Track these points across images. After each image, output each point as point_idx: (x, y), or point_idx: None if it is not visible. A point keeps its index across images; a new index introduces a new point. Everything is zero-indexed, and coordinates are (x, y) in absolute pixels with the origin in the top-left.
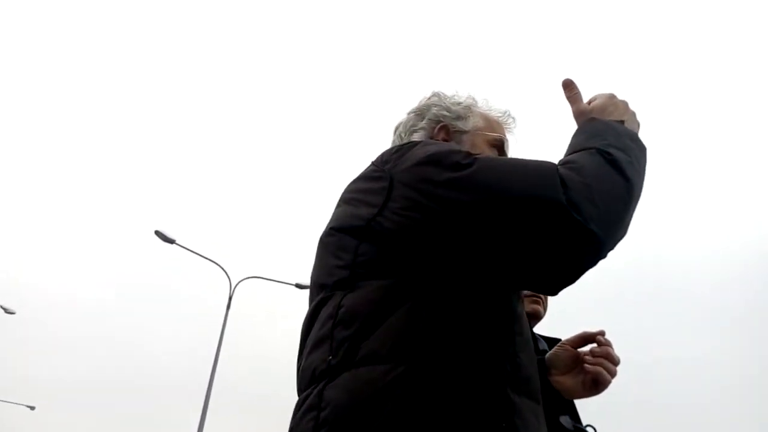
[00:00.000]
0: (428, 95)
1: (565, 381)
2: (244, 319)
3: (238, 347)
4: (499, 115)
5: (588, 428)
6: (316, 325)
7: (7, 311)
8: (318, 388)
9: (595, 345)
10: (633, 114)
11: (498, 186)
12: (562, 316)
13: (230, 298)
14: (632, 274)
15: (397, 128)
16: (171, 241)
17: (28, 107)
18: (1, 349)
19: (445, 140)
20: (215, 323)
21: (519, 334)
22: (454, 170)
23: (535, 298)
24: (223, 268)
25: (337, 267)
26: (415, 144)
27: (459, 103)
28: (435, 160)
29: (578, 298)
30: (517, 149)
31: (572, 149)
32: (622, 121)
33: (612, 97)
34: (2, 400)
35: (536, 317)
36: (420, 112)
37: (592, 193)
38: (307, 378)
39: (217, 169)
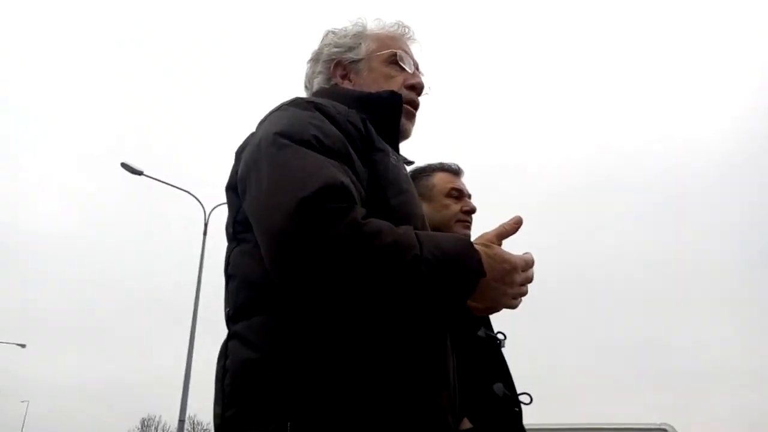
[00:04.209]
0: (321, 37)
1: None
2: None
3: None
4: (392, 29)
5: (499, 335)
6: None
7: None
8: (227, 336)
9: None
10: (504, 293)
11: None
12: (576, 196)
13: (206, 225)
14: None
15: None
16: (139, 173)
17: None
18: None
19: (344, 76)
20: (195, 250)
21: None
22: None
23: (466, 224)
24: (195, 196)
25: (228, 221)
26: (275, 110)
27: (348, 35)
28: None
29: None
30: (425, 52)
31: (428, 235)
32: (483, 275)
33: (514, 268)
34: None
35: None
36: (315, 58)
37: (339, 251)
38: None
39: (180, 96)
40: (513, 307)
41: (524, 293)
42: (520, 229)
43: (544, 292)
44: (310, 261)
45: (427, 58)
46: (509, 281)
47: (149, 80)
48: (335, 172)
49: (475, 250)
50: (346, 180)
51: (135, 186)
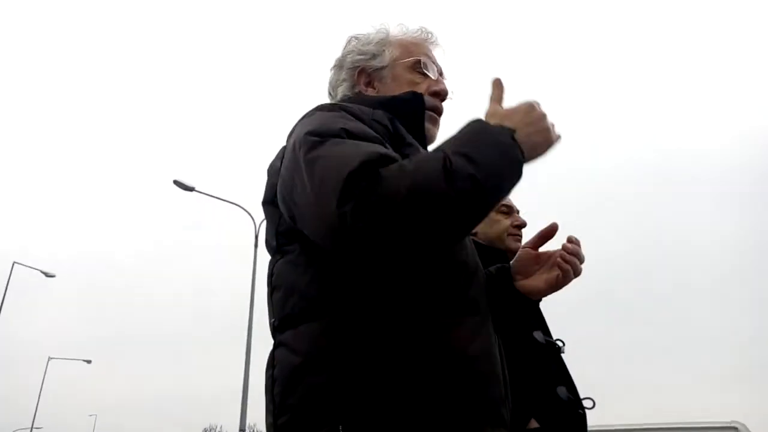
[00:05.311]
0: (344, 43)
1: (528, 283)
2: None
3: None
4: (416, 34)
5: (558, 341)
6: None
7: (47, 275)
8: (273, 346)
9: (563, 242)
10: (544, 129)
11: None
12: (584, 206)
13: (257, 237)
14: (643, 165)
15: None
16: (190, 189)
17: (49, 75)
18: (48, 310)
19: (368, 83)
20: (247, 262)
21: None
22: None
23: (517, 238)
24: (245, 209)
25: (269, 235)
26: (302, 118)
27: (371, 42)
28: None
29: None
30: (450, 57)
31: (444, 142)
32: (513, 131)
33: (530, 106)
34: (60, 357)
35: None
36: (339, 64)
37: (394, 203)
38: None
39: (224, 112)
40: (556, 140)
41: (554, 124)
42: (557, 234)
43: (614, 293)
44: (374, 213)
45: (469, 63)
46: (538, 116)
47: (198, 96)
48: (374, 146)
49: (487, 122)
50: (387, 150)
51: (187, 202)
